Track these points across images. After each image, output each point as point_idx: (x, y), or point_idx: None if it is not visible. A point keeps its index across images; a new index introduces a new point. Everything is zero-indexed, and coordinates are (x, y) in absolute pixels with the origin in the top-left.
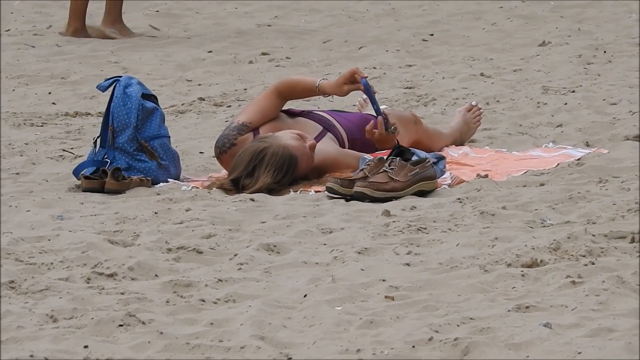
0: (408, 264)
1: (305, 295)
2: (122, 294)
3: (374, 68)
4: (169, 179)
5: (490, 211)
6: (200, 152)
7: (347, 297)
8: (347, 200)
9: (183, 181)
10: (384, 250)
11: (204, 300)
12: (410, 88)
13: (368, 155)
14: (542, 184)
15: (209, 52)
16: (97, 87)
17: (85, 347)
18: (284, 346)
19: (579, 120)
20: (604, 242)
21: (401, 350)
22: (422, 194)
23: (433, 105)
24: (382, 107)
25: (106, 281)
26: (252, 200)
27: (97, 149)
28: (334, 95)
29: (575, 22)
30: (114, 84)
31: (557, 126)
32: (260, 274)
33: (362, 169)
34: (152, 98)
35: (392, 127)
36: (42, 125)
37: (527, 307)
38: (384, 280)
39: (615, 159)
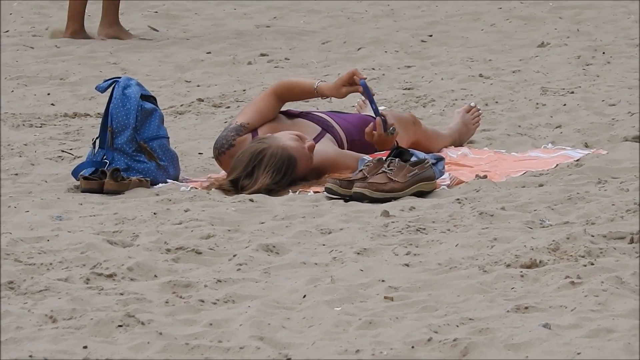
0: (407, 265)
1: (304, 296)
2: (122, 294)
3: (373, 69)
4: (168, 180)
5: (489, 212)
6: (199, 153)
7: (346, 298)
8: (346, 201)
9: (182, 182)
10: (383, 250)
11: (203, 301)
12: (409, 89)
13: (367, 156)
14: (541, 185)
15: (207, 53)
16: (96, 88)
17: (85, 347)
18: (283, 347)
19: (578, 121)
20: (603, 243)
21: (400, 350)
22: (421, 194)
23: (432, 106)
24: (380, 108)
25: (105, 282)
26: (251, 200)
27: (96, 150)
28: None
29: (574, 23)
30: (113, 85)
31: (556, 127)
32: (260, 275)
33: (361, 170)
34: (151, 99)
35: (391, 128)
36: (41, 126)
37: (527, 308)
38: (383, 280)
39: (614, 159)
